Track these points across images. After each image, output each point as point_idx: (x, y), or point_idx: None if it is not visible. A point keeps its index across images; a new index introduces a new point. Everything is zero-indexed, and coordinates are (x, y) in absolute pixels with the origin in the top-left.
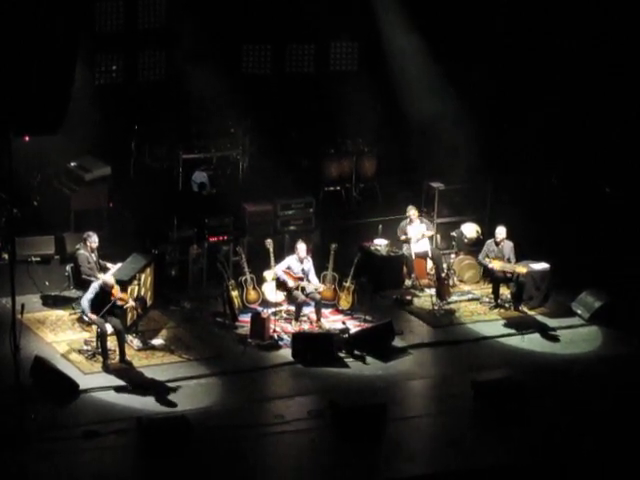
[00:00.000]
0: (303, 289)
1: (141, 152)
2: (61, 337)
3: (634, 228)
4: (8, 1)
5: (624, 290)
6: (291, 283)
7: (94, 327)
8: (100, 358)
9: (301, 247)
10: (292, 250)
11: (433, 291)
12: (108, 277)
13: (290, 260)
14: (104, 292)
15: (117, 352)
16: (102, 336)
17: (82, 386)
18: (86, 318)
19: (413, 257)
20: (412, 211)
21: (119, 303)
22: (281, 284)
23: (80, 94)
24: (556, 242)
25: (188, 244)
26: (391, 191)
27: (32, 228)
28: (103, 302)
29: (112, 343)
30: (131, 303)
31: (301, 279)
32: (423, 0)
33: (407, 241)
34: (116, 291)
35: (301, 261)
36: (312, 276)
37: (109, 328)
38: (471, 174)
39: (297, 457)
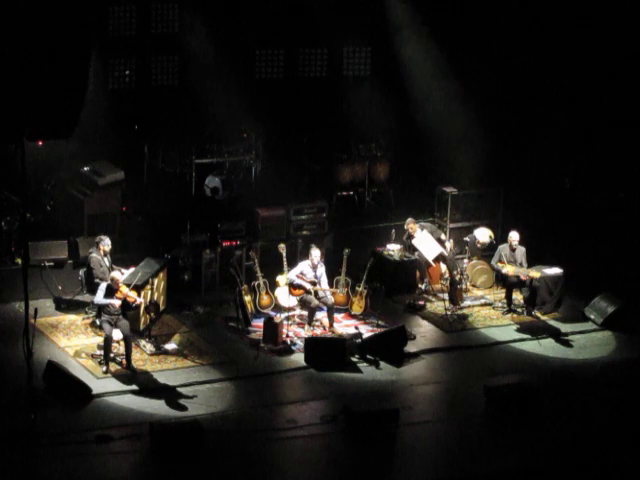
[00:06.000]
0: (316, 293)
1: (154, 157)
2: (74, 341)
3: None
4: (22, 6)
5: (637, 295)
6: (308, 286)
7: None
8: (112, 363)
9: (315, 253)
10: (305, 255)
11: (446, 296)
12: (116, 273)
13: (303, 266)
14: (111, 290)
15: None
16: (107, 341)
17: (95, 390)
18: (98, 321)
19: (431, 261)
20: (410, 225)
21: (129, 300)
22: (297, 287)
23: (93, 99)
24: (569, 247)
25: (201, 249)
26: (404, 196)
27: (45, 233)
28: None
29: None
30: (139, 301)
31: (314, 284)
32: (436, 5)
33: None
34: (124, 289)
35: (314, 267)
36: (324, 283)
37: (117, 334)
38: (484, 179)
39: (310, 462)
